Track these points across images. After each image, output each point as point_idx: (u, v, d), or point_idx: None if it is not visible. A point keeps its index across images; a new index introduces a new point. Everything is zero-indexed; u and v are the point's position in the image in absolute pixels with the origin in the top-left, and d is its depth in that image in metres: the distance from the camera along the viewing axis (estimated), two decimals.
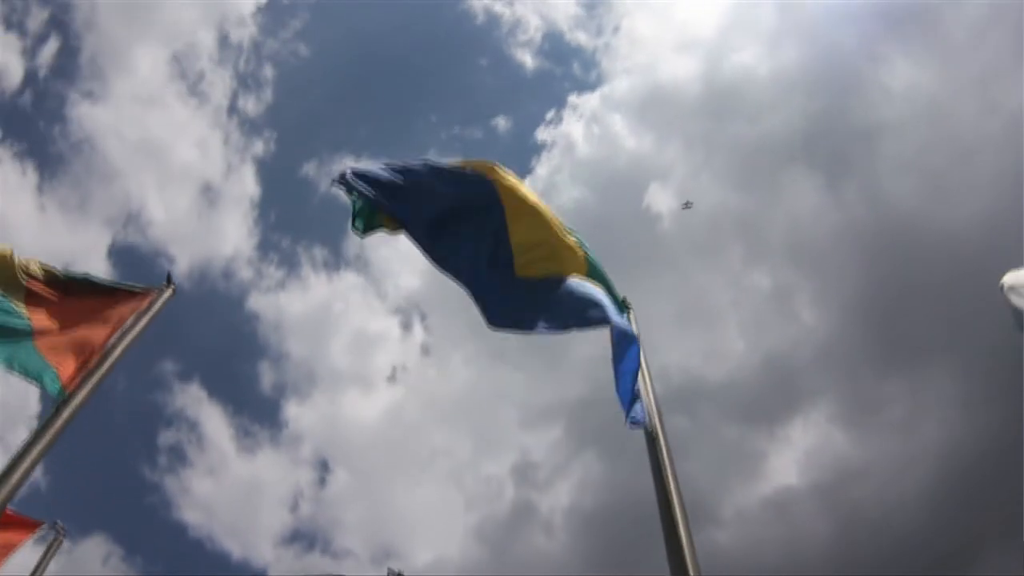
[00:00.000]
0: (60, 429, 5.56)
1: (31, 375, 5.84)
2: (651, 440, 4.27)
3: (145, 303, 6.99)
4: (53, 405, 5.64)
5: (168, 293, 7.29)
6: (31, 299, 6.41)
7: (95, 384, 6.04)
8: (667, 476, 4.02)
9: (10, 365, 6.04)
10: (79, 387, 5.90)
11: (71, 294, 6.58)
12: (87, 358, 6.14)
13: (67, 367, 5.99)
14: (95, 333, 6.37)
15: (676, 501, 3.88)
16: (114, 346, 6.44)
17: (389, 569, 8.30)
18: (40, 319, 6.22)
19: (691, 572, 3.53)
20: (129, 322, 6.72)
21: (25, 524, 10.42)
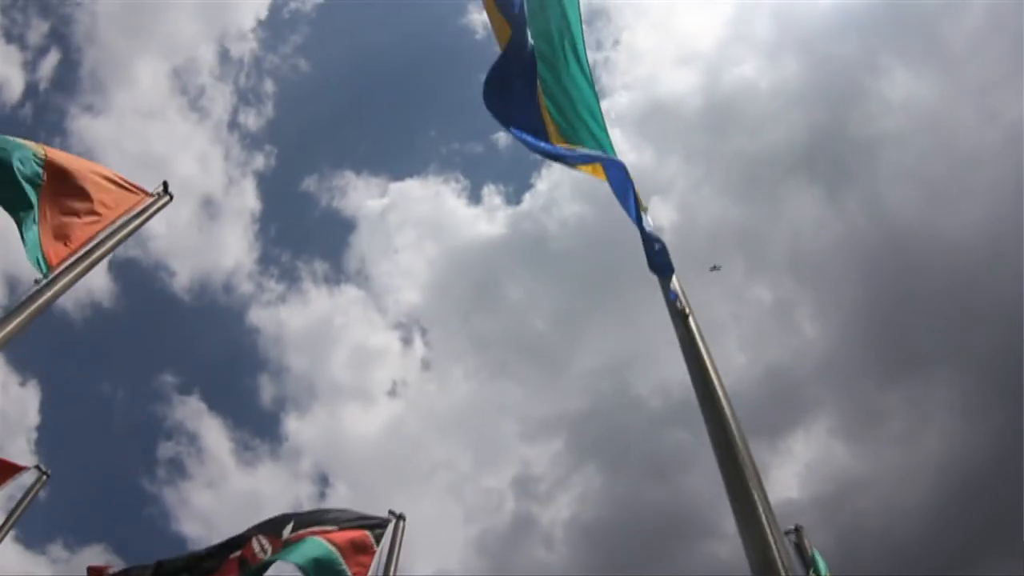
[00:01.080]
0: (34, 313, 5.19)
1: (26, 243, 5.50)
2: (682, 318, 3.90)
3: (139, 204, 6.65)
4: (34, 283, 5.31)
5: (164, 200, 6.95)
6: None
7: (77, 275, 5.70)
8: (702, 353, 3.65)
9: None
10: (60, 275, 5.56)
11: (74, 180, 6.24)
12: (76, 247, 5.81)
13: (56, 249, 5.65)
14: (88, 223, 6.05)
15: (715, 379, 3.52)
16: (103, 242, 6.11)
17: (390, 511, 7.97)
18: (44, 198, 5.88)
19: (744, 458, 3.11)
20: (121, 221, 6.39)
21: (9, 467, 10.16)
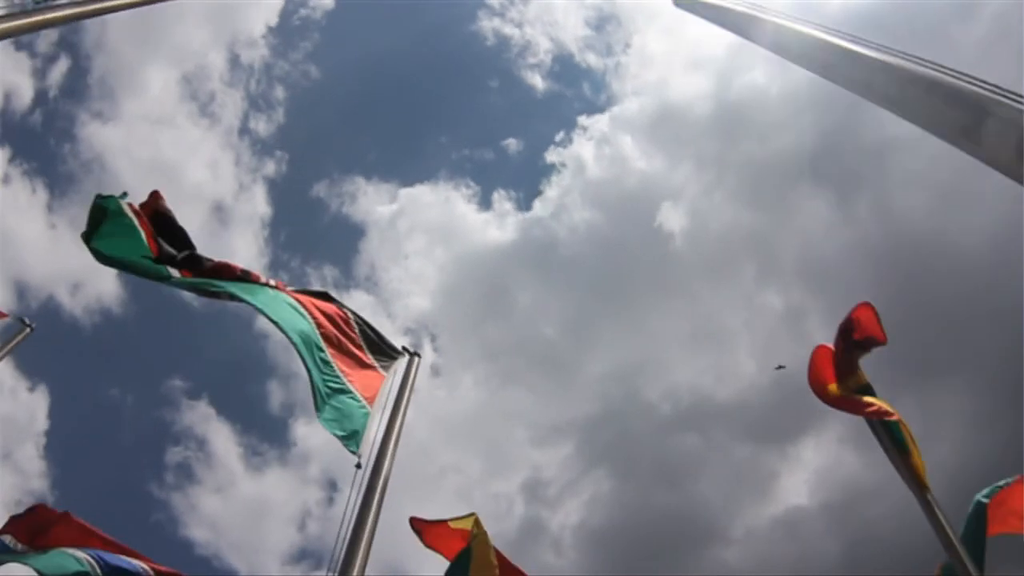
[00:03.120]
0: (23, 28, 5.00)
1: None
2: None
3: None
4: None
5: None
6: None
7: (78, 13, 5.56)
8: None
9: None
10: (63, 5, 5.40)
11: None
12: None
13: None
14: None
15: None
16: None
17: (404, 347, 7.73)
18: None
19: None
20: None
21: None
